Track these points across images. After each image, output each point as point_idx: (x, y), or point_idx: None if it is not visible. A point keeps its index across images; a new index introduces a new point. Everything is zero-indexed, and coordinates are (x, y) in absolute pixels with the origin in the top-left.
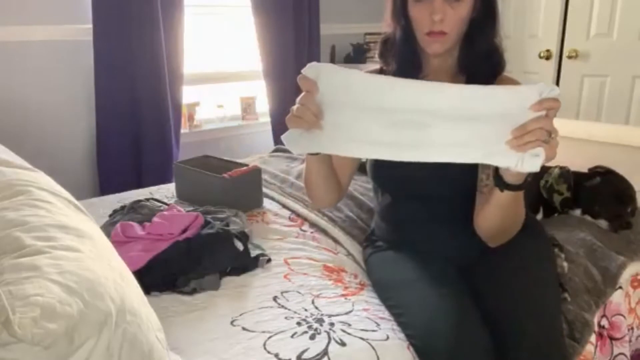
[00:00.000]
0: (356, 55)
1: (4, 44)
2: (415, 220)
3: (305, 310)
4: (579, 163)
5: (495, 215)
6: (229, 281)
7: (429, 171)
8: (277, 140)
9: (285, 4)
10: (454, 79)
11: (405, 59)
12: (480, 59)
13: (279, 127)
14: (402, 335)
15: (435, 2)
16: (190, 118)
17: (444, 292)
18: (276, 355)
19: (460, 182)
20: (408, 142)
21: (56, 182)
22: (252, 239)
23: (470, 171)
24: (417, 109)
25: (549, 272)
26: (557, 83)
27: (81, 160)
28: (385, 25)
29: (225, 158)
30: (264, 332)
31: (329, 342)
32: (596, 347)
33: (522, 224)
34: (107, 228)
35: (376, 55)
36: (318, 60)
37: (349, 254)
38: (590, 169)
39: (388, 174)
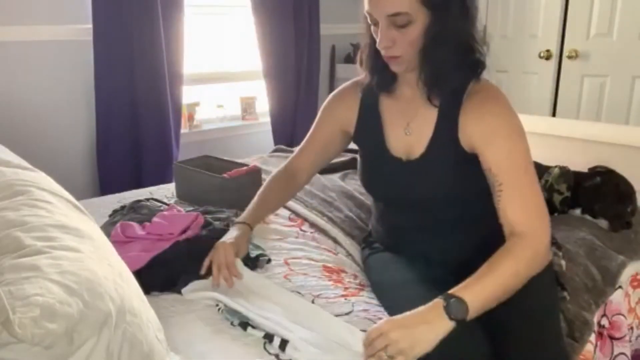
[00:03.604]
0: (356, 56)
1: (4, 44)
2: (408, 226)
3: None
4: (579, 163)
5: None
6: None
7: (418, 179)
8: (277, 140)
9: (285, 4)
10: (422, 91)
11: (379, 70)
12: (438, 75)
13: (279, 127)
14: None
15: (381, 30)
16: (190, 118)
17: (440, 293)
18: (276, 355)
19: (449, 189)
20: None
21: (56, 182)
22: (252, 239)
23: (458, 177)
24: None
25: (546, 272)
26: (557, 83)
27: (81, 160)
28: (362, 35)
29: (225, 158)
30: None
31: None
32: (596, 346)
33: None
34: (107, 228)
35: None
36: (318, 60)
37: (348, 254)
38: (590, 169)
39: (378, 184)
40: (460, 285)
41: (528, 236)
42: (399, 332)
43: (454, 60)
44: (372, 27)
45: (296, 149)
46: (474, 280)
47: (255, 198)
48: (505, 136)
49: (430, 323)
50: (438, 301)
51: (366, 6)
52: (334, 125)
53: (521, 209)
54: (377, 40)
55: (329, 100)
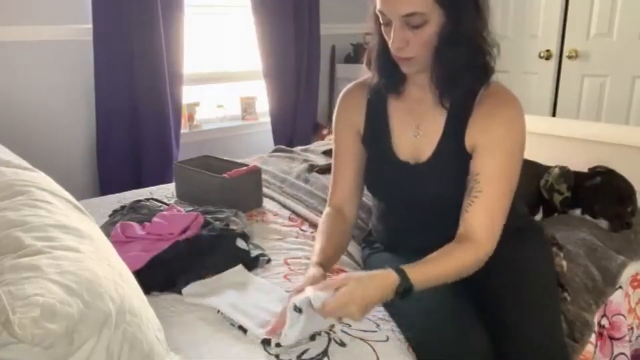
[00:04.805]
0: (356, 55)
1: (4, 44)
2: (410, 227)
3: None
4: (579, 163)
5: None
6: None
7: (424, 182)
8: (277, 140)
9: (285, 4)
10: (434, 93)
11: (387, 72)
12: (450, 76)
13: (279, 127)
14: (402, 337)
15: (395, 31)
16: (190, 118)
17: (441, 293)
18: (276, 355)
19: (454, 191)
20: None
21: (56, 182)
22: (252, 239)
23: (464, 179)
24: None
25: (547, 272)
26: (557, 83)
27: (81, 160)
28: (371, 35)
29: (225, 158)
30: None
31: (329, 343)
32: (596, 347)
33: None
34: (107, 228)
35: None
36: (318, 60)
37: (348, 254)
38: (590, 169)
39: (383, 186)
40: (414, 269)
41: (480, 245)
42: (357, 307)
43: (466, 61)
44: (384, 28)
45: (329, 183)
46: (425, 267)
47: (317, 245)
48: (506, 150)
49: (382, 298)
50: (392, 278)
51: (378, 5)
52: (349, 131)
53: (486, 222)
54: (390, 41)
55: (337, 110)
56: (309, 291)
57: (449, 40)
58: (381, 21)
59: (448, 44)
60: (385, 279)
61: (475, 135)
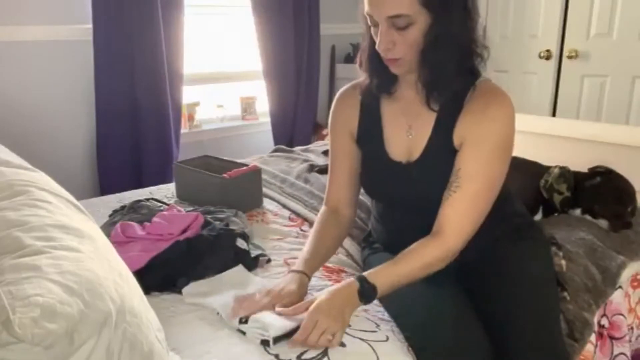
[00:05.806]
0: (356, 56)
1: (4, 44)
2: (408, 226)
3: None
4: (579, 163)
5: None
6: None
7: (416, 181)
8: (277, 140)
9: (285, 4)
10: (421, 94)
11: (378, 73)
12: (437, 78)
13: (279, 127)
14: (401, 337)
15: (381, 32)
16: (190, 118)
17: (441, 293)
18: (276, 356)
19: (442, 191)
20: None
21: (56, 182)
22: (252, 239)
23: (448, 181)
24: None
25: (546, 272)
26: (557, 83)
27: (81, 160)
28: (362, 37)
29: (225, 158)
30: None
31: None
32: (596, 346)
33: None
34: (107, 228)
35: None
36: (318, 60)
37: (348, 254)
38: (590, 169)
39: (378, 187)
40: (376, 271)
41: (445, 242)
42: (329, 320)
43: (453, 63)
44: (372, 29)
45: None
46: (388, 269)
47: (308, 246)
48: (492, 146)
49: (349, 304)
50: (353, 284)
51: (366, 7)
52: (344, 133)
53: (456, 219)
54: (377, 42)
55: (332, 112)
56: (272, 320)
57: (436, 43)
58: (369, 23)
59: (434, 46)
60: (345, 285)
61: (464, 131)
